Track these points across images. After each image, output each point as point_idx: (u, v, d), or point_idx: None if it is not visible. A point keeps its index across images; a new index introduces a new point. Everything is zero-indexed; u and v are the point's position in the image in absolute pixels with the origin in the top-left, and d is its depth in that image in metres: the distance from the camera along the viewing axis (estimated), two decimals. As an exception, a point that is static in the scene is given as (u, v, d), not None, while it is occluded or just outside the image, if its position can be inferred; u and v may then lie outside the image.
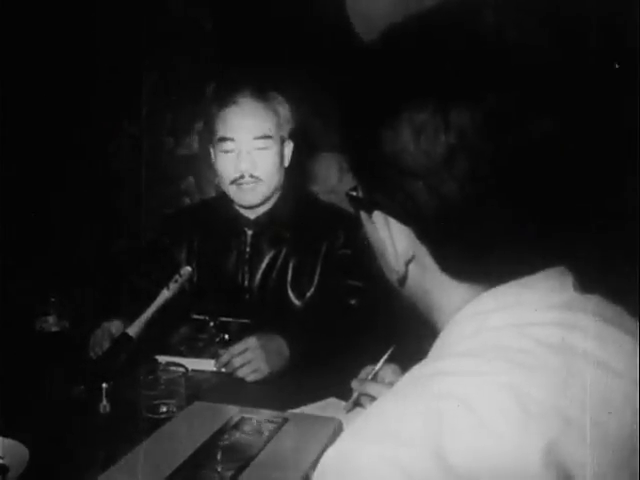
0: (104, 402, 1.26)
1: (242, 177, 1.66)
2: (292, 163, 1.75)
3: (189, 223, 1.80)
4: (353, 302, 1.65)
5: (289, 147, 1.74)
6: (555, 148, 0.56)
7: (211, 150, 1.74)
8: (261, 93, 1.68)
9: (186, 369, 1.30)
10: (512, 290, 0.58)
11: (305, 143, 1.81)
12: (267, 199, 1.72)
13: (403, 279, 0.63)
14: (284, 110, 1.71)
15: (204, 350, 1.54)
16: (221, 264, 1.74)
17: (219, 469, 1.00)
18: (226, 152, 1.67)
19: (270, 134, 1.67)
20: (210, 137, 1.73)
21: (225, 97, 1.69)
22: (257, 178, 1.66)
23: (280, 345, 1.45)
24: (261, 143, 1.66)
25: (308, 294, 1.69)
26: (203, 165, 2.36)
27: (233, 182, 1.67)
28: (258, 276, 1.71)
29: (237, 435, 1.10)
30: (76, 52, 2.26)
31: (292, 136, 1.74)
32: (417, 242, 0.60)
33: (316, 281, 1.69)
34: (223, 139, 1.67)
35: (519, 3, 0.59)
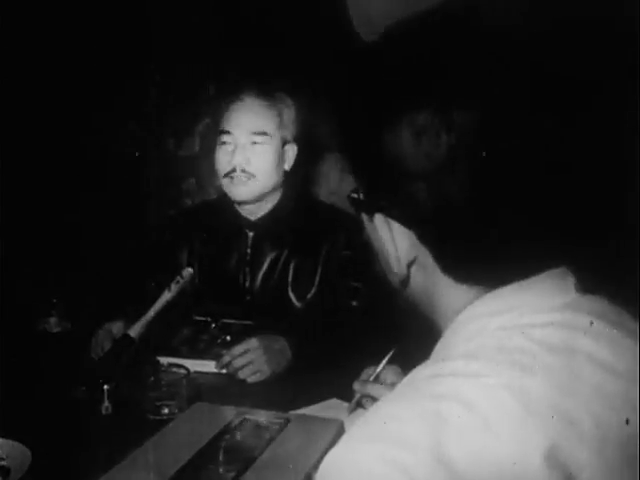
0: (106, 403, 1.25)
1: (234, 171, 1.66)
2: (293, 164, 1.75)
3: (190, 224, 1.80)
4: (354, 303, 1.65)
5: (292, 150, 1.73)
6: (557, 149, 0.56)
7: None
8: (268, 92, 1.69)
9: (188, 370, 1.30)
10: (514, 292, 0.58)
11: (306, 144, 1.81)
12: (262, 197, 1.71)
13: (405, 281, 0.63)
14: (289, 111, 1.71)
15: (206, 351, 1.54)
16: (222, 265, 1.74)
17: (221, 470, 1.00)
18: (223, 144, 1.68)
19: (267, 131, 1.67)
20: (215, 134, 1.74)
21: (232, 94, 1.70)
22: (249, 174, 1.67)
23: (281, 346, 1.45)
24: (257, 138, 1.67)
25: (309, 296, 1.69)
26: (204, 166, 2.36)
27: (226, 175, 1.68)
28: (259, 277, 1.71)
29: (239, 436, 1.10)
30: (78, 53, 2.26)
31: (297, 139, 1.74)
32: (419, 244, 0.60)
33: (317, 283, 1.69)
34: (222, 132, 1.69)
35: (520, 3, 0.59)
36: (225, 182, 1.69)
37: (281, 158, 1.71)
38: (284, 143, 1.71)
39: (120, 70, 2.31)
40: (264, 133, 1.67)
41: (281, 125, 1.69)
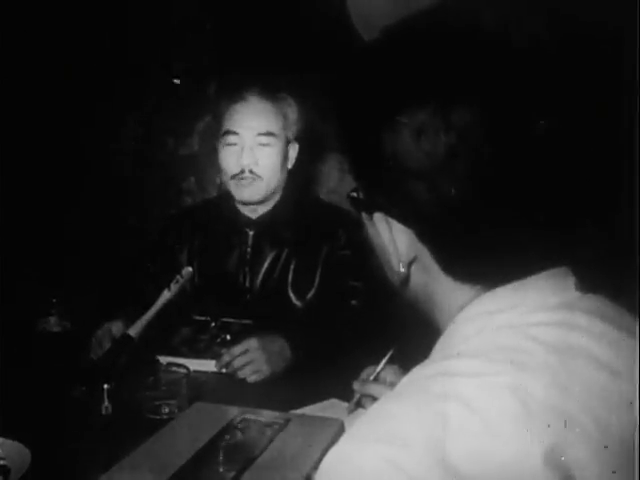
0: (106, 403, 1.25)
1: (242, 172, 1.66)
2: (294, 163, 1.75)
3: (190, 223, 1.80)
4: (354, 303, 1.65)
5: (294, 149, 1.74)
6: (556, 148, 0.56)
7: (218, 146, 1.73)
8: (270, 92, 1.69)
9: (187, 370, 1.30)
10: (514, 291, 0.58)
11: (307, 143, 1.81)
12: (266, 198, 1.72)
13: (405, 280, 0.63)
14: (292, 112, 1.71)
15: (205, 351, 1.54)
16: (222, 265, 1.74)
17: (221, 470, 1.00)
18: (229, 145, 1.68)
19: (274, 132, 1.67)
20: (217, 132, 1.73)
21: (234, 93, 1.69)
22: (257, 175, 1.66)
23: (281, 346, 1.45)
24: (264, 139, 1.66)
25: (309, 295, 1.69)
26: (204, 165, 2.36)
27: (234, 177, 1.68)
28: (259, 277, 1.71)
29: (239, 436, 1.10)
30: (77, 52, 2.26)
31: (298, 138, 1.74)
32: (418, 243, 0.60)
33: (317, 282, 1.69)
34: (227, 132, 1.68)
35: (520, 2, 0.59)
36: (232, 183, 1.69)
37: (285, 158, 1.71)
38: (287, 143, 1.71)
39: (120, 68, 2.31)
40: (271, 134, 1.67)
41: (285, 125, 1.69)
